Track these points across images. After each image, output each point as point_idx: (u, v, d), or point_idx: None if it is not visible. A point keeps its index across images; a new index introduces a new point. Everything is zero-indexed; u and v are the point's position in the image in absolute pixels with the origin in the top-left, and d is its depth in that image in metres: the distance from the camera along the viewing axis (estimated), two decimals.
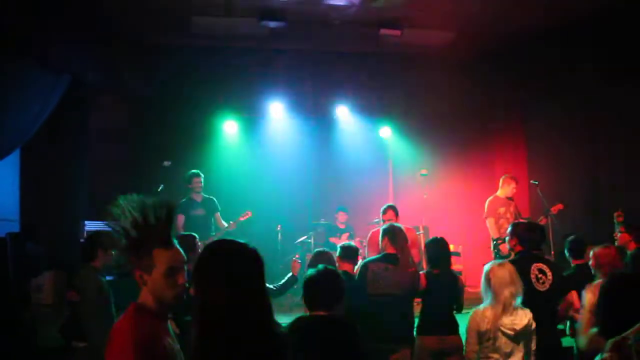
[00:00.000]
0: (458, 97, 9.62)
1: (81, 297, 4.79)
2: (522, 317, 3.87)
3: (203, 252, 2.19)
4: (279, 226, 8.90)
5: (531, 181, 7.98)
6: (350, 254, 4.94)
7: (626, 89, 7.49)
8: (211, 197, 7.88)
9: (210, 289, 2.07)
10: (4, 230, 6.38)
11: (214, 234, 7.61)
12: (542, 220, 7.26)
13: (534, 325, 3.91)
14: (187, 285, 2.26)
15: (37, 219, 7.41)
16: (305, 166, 9.68)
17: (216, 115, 9.52)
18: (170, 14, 7.92)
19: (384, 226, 5.11)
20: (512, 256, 4.91)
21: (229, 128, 9.71)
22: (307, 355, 3.04)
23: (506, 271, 3.90)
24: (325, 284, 3.41)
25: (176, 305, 2.28)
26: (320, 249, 5.39)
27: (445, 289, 4.79)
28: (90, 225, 7.29)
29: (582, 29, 7.80)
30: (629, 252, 5.08)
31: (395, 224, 5.14)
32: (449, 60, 9.48)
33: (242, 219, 7.80)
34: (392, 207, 6.72)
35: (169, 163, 7.88)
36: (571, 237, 5.35)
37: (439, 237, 5.12)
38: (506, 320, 3.83)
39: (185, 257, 2.29)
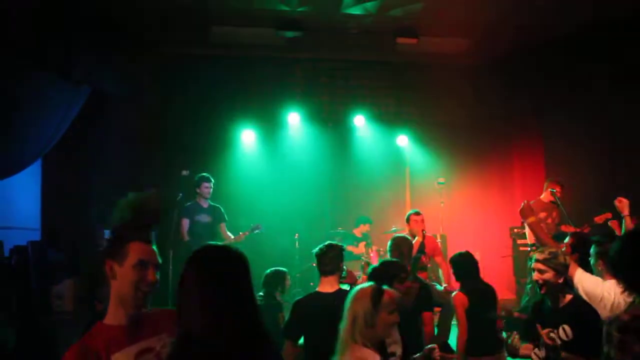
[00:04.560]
0: (475, 104, 9.59)
1: (105, 307, 4.82)
2: None
3: (188, 260, 2.06)
4: (297, 235, 8.92)
5: (549, 189, 7.91)
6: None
7: None
8: (218, 205, 7.84)
9: (192, 298, 1.96)
10: (25, 239, 6.47)
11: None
12: (585, 229, 7.15)
13: None
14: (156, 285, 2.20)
15: (58, 227, 7.50)
16: (323, 175, 9.69)
17: (234, 124, 9.58)
18: (189, 24, 8.02)
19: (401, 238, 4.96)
20: None
21: (247, 137, 9.76)
22: None
23: None
24: None
25: (135, 310, 2.17)
26: (273, 269, 5.31)
27: (490, 302, 4.66)
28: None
29: (599, 35, 7.75)
30: None
31: (399, 235, 4.98)
32: (466, 67, 9.48)
33: (250, 232, 7.72)
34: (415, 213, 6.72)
35: (188, 172, 7.92)
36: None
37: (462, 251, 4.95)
38: None
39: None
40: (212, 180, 7.81)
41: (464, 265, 4.86)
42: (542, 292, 3.74)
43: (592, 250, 3.90)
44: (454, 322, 6.39)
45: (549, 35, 8.22)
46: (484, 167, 9.92)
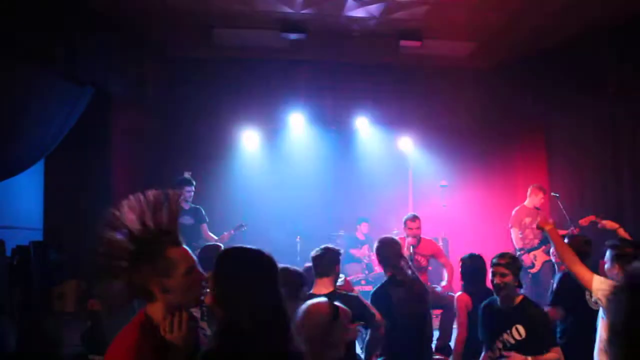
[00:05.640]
0: (478, 107, 9.58)
1: (103, 307, 4.84)
2: None
3: (222, 260, 2.14)
4: (298, 237, 8.91)
5: (552, 193, 7.89)
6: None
7: None
8: (198, 206, 7.80)
9: (232, 298, 2.05)
10: (27, 239, 6.49)
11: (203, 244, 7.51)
12: (573, 232, 7.16)
13: None
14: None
15: (60, 228, 7.51)
16: (325, 177, 9.67)
17: (236, 126, 9.59)
18: (193, 25, 8.03)
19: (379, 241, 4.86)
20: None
21: (249, 139, 9.76)
22: None
23: None
24: None
25: (194, 306, 2.17)
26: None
27: None
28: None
29: (604, 38, 7.74)
30: None
31: (390, 237, 4.94)
32: (469, 70, 9.47)
33: (235, 231, 7.71)
34: (418, 217, 6.75)
35: (190, 173, 7.94)
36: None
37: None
38: None
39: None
40: (194, 184, 7.74)
41: (472, 267, 4.95)
42: (502, 294, 3.95)
43: (607, 255, 3.91)
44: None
45: (553, 39, 8.21)
46: (487, 171, 9.89)
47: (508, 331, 3.85)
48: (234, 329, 2.02)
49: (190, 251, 2.15)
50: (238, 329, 2.01)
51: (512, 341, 3.84)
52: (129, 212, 2.10)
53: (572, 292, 4.41)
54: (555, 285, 4.90)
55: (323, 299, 2.78)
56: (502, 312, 3.98)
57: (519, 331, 3.83)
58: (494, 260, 4.02)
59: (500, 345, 3.90)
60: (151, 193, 2.17)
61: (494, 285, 3.96)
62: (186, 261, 2.08)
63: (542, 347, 3.82)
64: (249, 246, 2.21)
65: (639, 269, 1.47)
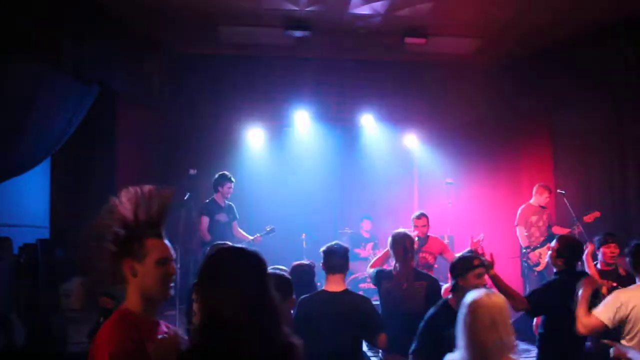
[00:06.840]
0: (484, 104, 9.55)
1: (116, 304, 4.85)
2: None
3: (207, 258, 2.17)
4: (304, 235, 8.91)
5: (558, 190, 7.88)
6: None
7: None
8: (231, 203, 7.79)
9: (216, 295, 2.05)
10: (34, 237, 6.52)
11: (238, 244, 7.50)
12: (577, 229, 7.11)
13: None
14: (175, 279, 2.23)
15: (66, 225, 7.54)
16: (330, 175, 9.68)
17: (242, 124, 9.60)
18: (198, 23, 8.04)
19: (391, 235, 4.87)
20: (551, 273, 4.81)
21: (255, 136, 9.78)
22: None
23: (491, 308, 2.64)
24: None
25: (164, 300, 2.24)
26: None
27: None
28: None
29: (610, 34, 7.71)
30: None
31: (403, 232, 4.91)
32: (475, 67, 9.45)
33: (265, 234, 7.70)
34: (425, 214, 6.75)
35: (195, 171, 7.92)
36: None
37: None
38: None
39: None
40: (234, 181, 7.74)
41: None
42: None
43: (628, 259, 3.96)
44: None
45: (558, 34, 8.18)
46: (493, 167, 9.87)
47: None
48: (216, 325, 2.01)
49: (170, 247, 2.24)
50: (221, 325, 2.00)
51: None
52: (126, 201, 2.20)
53: (551, 299, 4.32)
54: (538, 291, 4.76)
55: (493, 291, 2.80)
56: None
57: None
58: (477, 263, 3.84)
59: None
60: (147, 187, 2.26)
61: (473, 287, 3.55)
62: (161, 251, 2.18)
63: None
64: (235, 245, 2.32)
65: None
